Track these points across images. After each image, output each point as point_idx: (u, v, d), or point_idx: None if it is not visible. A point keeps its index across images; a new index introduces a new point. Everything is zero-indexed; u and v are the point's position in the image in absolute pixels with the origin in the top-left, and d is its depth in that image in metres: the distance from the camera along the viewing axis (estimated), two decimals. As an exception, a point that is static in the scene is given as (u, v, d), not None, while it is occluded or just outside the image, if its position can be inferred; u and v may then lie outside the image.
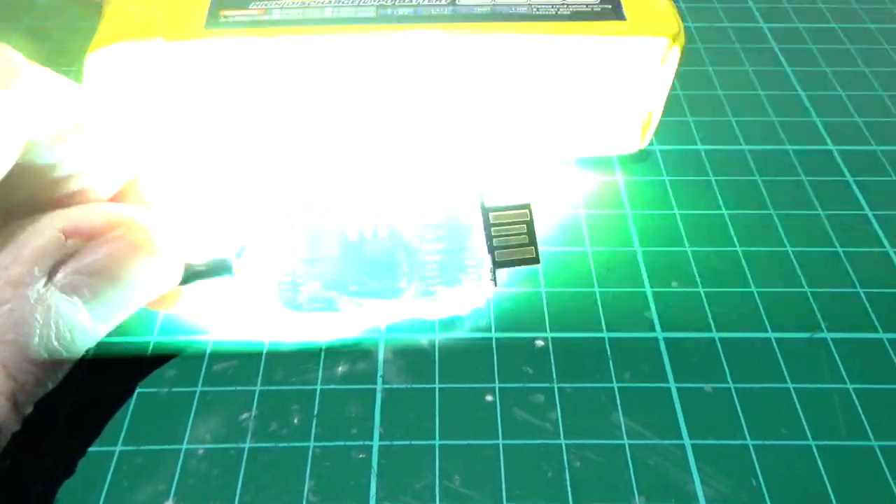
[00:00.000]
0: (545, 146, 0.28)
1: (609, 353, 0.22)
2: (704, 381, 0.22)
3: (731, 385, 0.22)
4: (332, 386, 0.21)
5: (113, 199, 0.20)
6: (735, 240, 0.26)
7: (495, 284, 0.23)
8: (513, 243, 0.23)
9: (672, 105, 0.31)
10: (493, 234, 0.23)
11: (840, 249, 0.26)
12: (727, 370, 0.22)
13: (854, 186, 0.28)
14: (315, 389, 0.21)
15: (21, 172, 0.17)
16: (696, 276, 0.25)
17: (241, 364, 0.22)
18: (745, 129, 0.31)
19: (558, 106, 0.26)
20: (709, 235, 0.26)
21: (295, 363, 0.22)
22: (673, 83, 0.26)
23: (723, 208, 0.27)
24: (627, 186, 0.28)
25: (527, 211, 0.23)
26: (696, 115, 0.31)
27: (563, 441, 0.20)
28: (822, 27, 0.37)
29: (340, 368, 0.22)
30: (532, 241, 0.23)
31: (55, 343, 0.17)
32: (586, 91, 0.25)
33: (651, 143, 0.30)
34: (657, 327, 0.23)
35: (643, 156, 0.29)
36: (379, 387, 0.22)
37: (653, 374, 0.22)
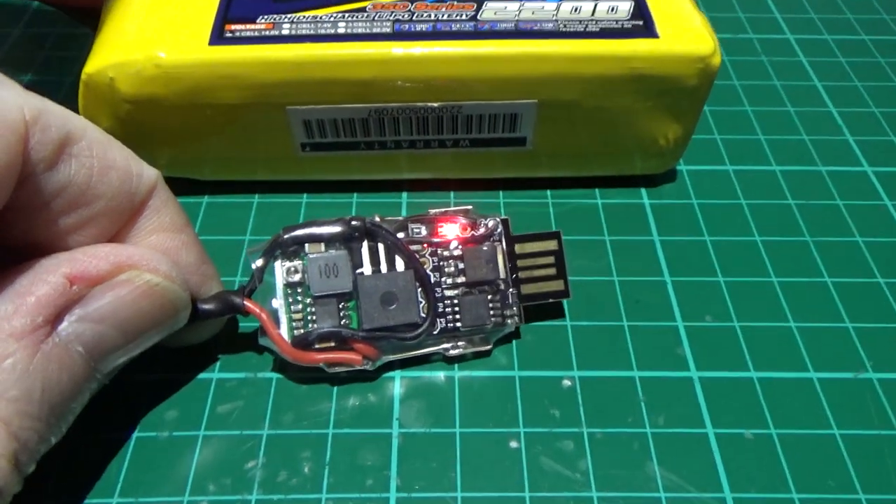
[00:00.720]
0: (569, 166, 0.26)
1: (641, 393, 0.21)
2: (744, 425, 0.20)
3: (773, 431, 0.20)
4: (345, 430, 0.20)
5: (116, 237, 0.18)
6: (770, 269, 0.24)
7: (520, 320, 0.21)
8: (540, 275, 0.22)
9: (701, 123, 0.29)
10: (518, 265, 0.22)
11: (881, 280, 0.24)
12: (768, 414, 0.21)
13: (893, 211, 0.27)
14: (327, 434, 0.20)
15: (16, 206, 0.16)
16: (731, 308, 0.23)
17: (247, 405, 0.20)
18: (776, 149, 0.29)
19: (584, 125, 0.24)
20: (742, 264, 0.25)
21: (305, 405, 0.20)
22: (705, 102, 0.24)
23: (755, 234, 0.26)
24: (654, 210, 0.27)
25: (556, 241, 0.22)
26: (723, 133, 0.30)
27: (594, 493, 0.19)
28: (852, 39, 0.35)
29: (354, 410, 0.20)
30: (561, 273, 0.22)
31: (59, 396, 0.15)
32: (615, 110, 0.24)
33: (679, 164, 0.28)
34: (691, 365, 0.22)
35: (670, 177, 0.28)
36: (395, 431, 0.20)
37: (688, 418, 0.20)
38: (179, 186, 0.26)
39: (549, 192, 0.27)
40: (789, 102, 0.31)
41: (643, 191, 0.27)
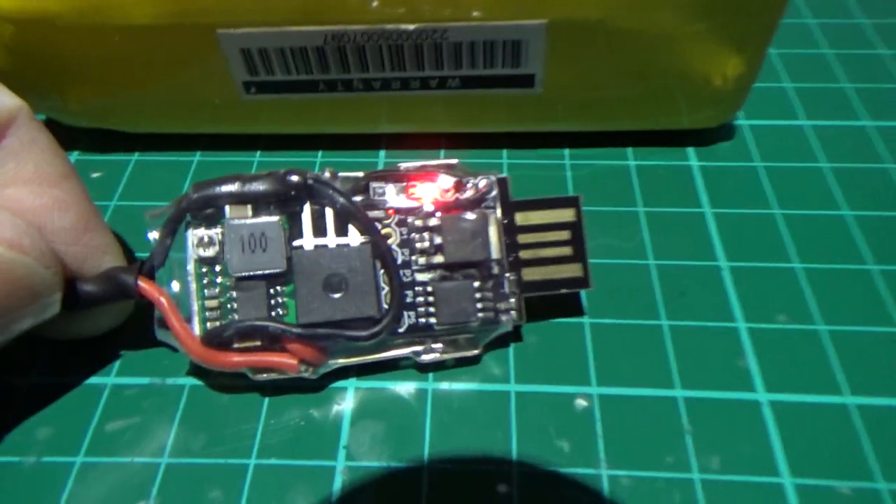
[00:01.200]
0: (591, 116, 0.20)
1: (685, 422, 0.15)
2: (836, 475, 0.14)
3: (881, 484, 0.14)
4: (272, 461, 0.15)
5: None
6: (865, 254, 0.18)
7: (520, 317, 0.16)
8: (550, 257, 0.16)
9: (765, 68, 0.23)
10: (519, 242, 0.16)
11: None
12: (872, 460, 0.14)
13: None
14: (247, 466, 0.15)
15: None
16: (813, 306, 0.17)
17: (146, 422, 0.15)
18: (866, 100, 0.23)
19: (611, 57, 0.18)
20: (826, 246, 0.18)
21: (223, 423, 0.15)
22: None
23: (843, 207, 0.19)
24: (705, 175, 0.20)
25: (573, 210, 0.16)
26: (796, 81, 0.23)
27: (615, 569, 0.13)
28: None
29: (287, 433, 0.15)
30: (580, 255, 0.16)
31: None
32: (653, 34, 0.18)
33: (737, 117, 0.22)
34: (757, 384, 0.16)
35: (726, 133, 0.22)
36: (340, 464, 0.15)
37: (756, 461, 0.14)
38: (104, 141, 0.21)
39: (566, 152, 0.21)
40: (881, 43, 0.25)
41: (690, 150, 0.21)
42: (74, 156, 0.21)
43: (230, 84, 0.19)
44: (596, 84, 0.19)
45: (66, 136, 0.21)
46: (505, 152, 0.21)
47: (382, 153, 0.21)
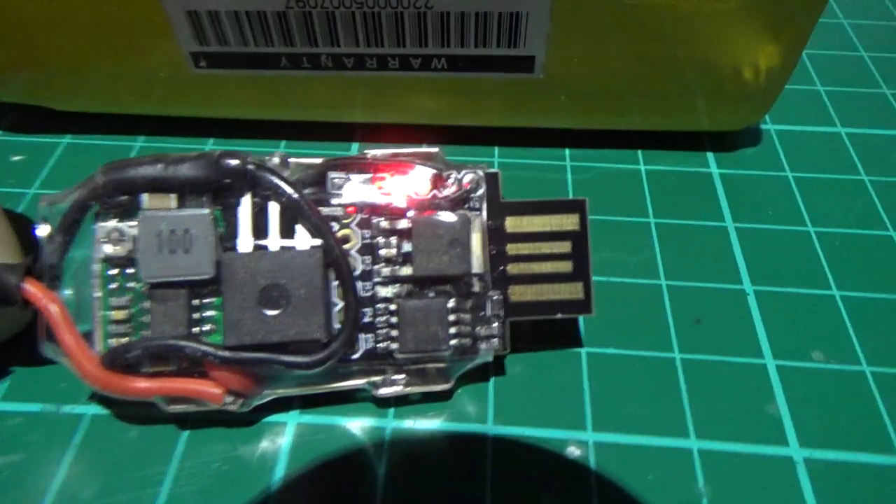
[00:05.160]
0: (599, 110, 0.18)
1: (701, 480, 0.12)
2: (891, 558, 0.11)
3: (951, 576, 0.11)
4: (183, 516, 0.12)
5: None
6: (916, 282, 0.15)
7: (504, 346, 0.13)
8: (546, 273, 0.13)
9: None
10: (508, 253, 0.13)
11: None
12: (933, 537, 0.12)
13: None
14: (152, 520, 0.12)
15: None
16: (855, 343, 0.14)
17: (31, 462, 0.12)
18: (911, 107, 0.20)
19: (624, 39, 0.16)
20: (869, 271, 0.16)
21: (125, 465, 0.12)
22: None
23: (889, 226, 0.17)
24: (727, 184, 0.18)
25: (577, 216, 0.13)
26: (829, 84, 0.21)
27: None
28: None
29: (206, 478, 0.12)
30: (583, 273, 0.13)
31: None
32: (674, 13, 0.15)
33: (763, 120, 0.19)
34: (791, 437, 0.13)
35: (751, 138, 0.19)
36: (270, 523, 0.12)
37: (788, 534, 0.12)
38: (32, 120, 0.18)
39: (567, 152, 0.18)
40: (925, 47, 0.22)
41: (710, 156, 0.18)
42: (-4, 134, 0.18)
43: (177, 55, 0.16)
44: (605, 72, 0.16)
45: (-11, 112, 0.18)
46: (497, 150, 0.18)
47: (356, 146, 0.18)
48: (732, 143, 0.19)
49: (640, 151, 0.18)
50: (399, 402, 0.13)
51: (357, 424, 0.13)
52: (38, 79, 0.17)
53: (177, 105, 0.17)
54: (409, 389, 0.13)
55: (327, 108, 0.17)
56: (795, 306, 0.15)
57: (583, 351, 0.14)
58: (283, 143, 0.18)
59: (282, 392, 0.13)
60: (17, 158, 0.17)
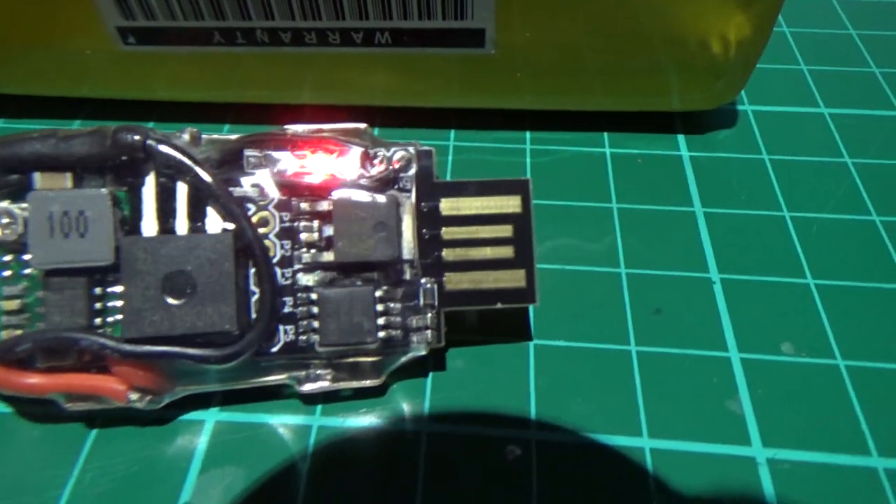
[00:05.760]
0: (558, 90, 0.16)
1: (652, 483, 0.11)
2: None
3: None
4: (80, 523, 0.11)
5: None
6: (898, 268, 0.14)
7: (438, 339, 0.12)
8: (484, 259, 0.12)
9: (774, 47, 0.19)
10: (444, 238, 0.12)
11: None
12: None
13: None
14: (46, 528, 0.11)
15: None
16: (829, 334, 0.13)
17: (-74, 461, 0.11)
18: (899, 86, 0.19)
19: (583, 9, 0.14)
20: (848, 259, 0.14)
21: (24, 468, 0.11)
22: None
23: (872, 211, 0.15)
24: (698, 167, 0.16)
25: (518, 198, 0.12)
26: (813, 63, 0.20)
27: None
28: None
29: (112, 482, 0.11)
30: (525, 259, 0.12)
31: None
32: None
33: (740, 101, 0.18)
34: (754, 437, 0.12)
35: (725, 119, 0.18)
36: (175, 531, 0.11)
37: (744, 545, 0.10)
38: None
39: (527, 135, 0.17)
40: (917, 23, 0.21)
41: (680, 138, 0.17)
42: (-76, 119, 0.17)
43: (102, 31, 0.15)
44: (562, 46, 0.15)
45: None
46: (453, 133, 0.17)
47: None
48: (705, 125, 0.17)
49: (604, 134, 0.17)
50: (328, 398, 0.12)
51: (280, 422, 0.12)
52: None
53: (111, 86, 0.17)
54: (336, 385, 0.12)
55: (269, 88, 0.16)
56: (765, 296, 0.14)
57: (531, 344, 0.13)
58: (225, 126, 0.17)
59: (196, 388, 0.12)
60: (-57, 144, 0.16)
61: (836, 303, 0.14)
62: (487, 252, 0.12)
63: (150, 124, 0.17)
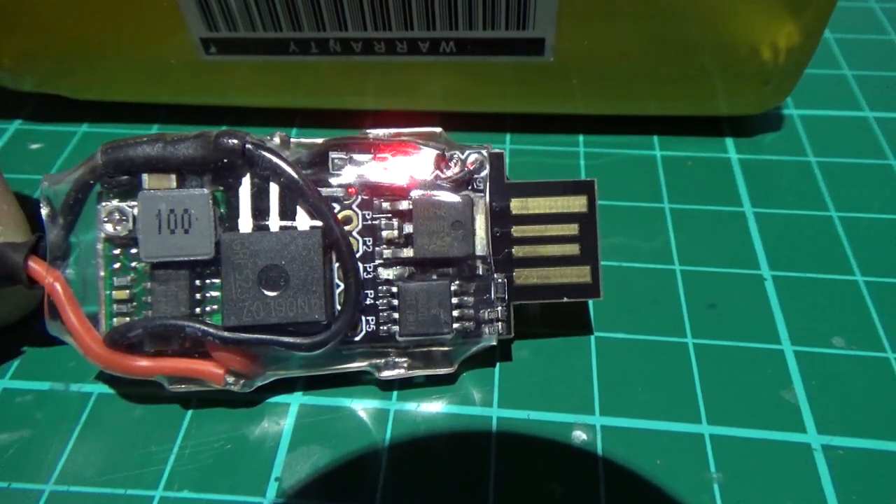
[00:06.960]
0: (612, 95, 0.17)
1: (713, 465, 0.12)
2: (914, 552, 0.11)
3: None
4: (182, 494, 0.12)
5: None
6: (946, 267, 0.15)
7: (508, 330, 0.13)
8: (552, 255, 0.13)
9: (818, 53, 0.20)
10: (514, 236, 0.13)
11: None
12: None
13: None
14: (151, 499, 0.12)
15: None
16: (878, 329, 0.14)
17: (37, 438, 0.12)
18: (944, 90, 0.19)
19: (638, 20, 0.15)
20: (895, 256, 0.15)
21: (129, 443, 0.12)
22: None
23: (917, 211, 0.16)
24: (746, 169, 0.17)
25: (585, 198, 0.13)
26: (857, 68, 0.20)
27: None
28: None
29: (208, 457, 0.12)
30: (590, 256, 0.13)
31: None
32: (693, 6, 0.15)
33: (786, 105, 0.19)
34: (808, 424, 0.12)
35: (772, 122, 0.18)
36: (268, 502, 0.12)
37: (803, 525, 0.11)
38: (51, 109, 0.18)
39: (580, 138, 0.18)
40: (960, 28, 0.21)
41: (729, 141, 0.18)
42: (16, 124, 0.18)
43: (187, 41, 0.16)
44: (617, 55, 0.16)
45: (11, 102, 0.19)
46: (508, 136, 0.18)
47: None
48: (752, 128, 0.18)
49: (655, 137, 0.18)
50: (403, 384, 0.13)
51: (360, 406, 0.13)
52: (55, 69, 0.17)
53: (189, 92, 0.18)
54: (411, 372, 0.13)
55: (337, 94, 0.17)
56: (816, 292, 0.14)
57: (592, 336, 0.14)
58: (294, 130, 0.18)
59: (284, 373, 0.13)
60: (35, 146, 0.18)
61: (886, 298, 0.14)
62: (555, 249, 0.13)
63: (223, 128, 0.18)
